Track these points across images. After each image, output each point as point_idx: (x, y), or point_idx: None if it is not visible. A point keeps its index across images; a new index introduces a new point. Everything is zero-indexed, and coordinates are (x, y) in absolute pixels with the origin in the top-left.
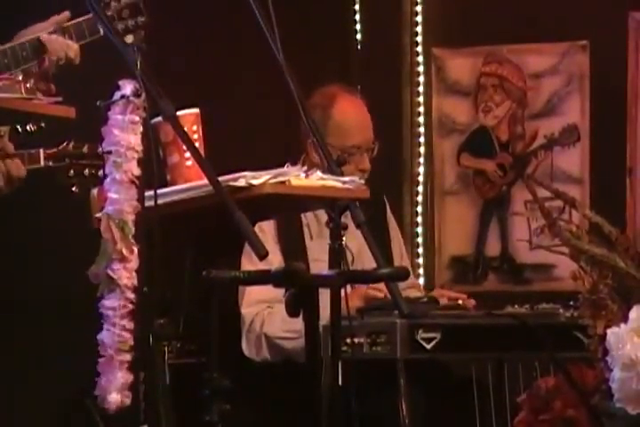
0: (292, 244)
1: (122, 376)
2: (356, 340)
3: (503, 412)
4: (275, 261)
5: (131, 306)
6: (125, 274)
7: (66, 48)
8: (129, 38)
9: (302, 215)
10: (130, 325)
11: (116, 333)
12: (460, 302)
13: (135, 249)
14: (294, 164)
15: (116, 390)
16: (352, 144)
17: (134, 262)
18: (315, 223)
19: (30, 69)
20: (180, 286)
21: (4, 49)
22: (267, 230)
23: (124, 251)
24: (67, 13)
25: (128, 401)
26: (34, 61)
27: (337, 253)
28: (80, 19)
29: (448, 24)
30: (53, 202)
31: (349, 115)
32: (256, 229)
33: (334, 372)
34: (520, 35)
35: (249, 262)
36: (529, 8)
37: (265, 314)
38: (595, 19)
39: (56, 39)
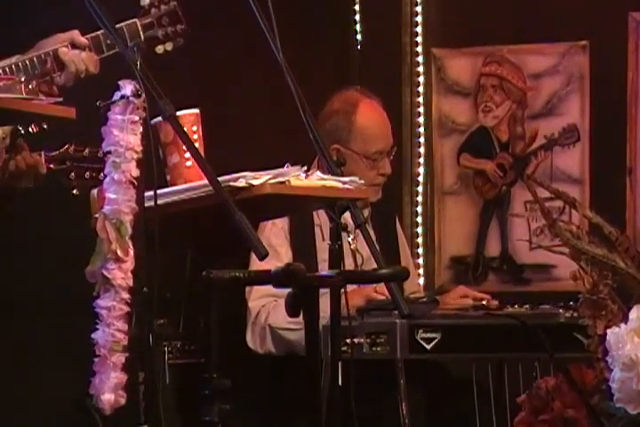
0: (303, 243)
1: (115, 376)
2: (356, 340)
3: (503, 412)
4: (285, 257)
5: (125, 307)
6: (120, 274)
7: (87, 61)
8: (168, 46)
9: (315, 216)
10: (124, 325)
11: (109, 333)
12: (485, 302)
13: (131, 250)
14: (294, 164)
15: (109, 390)
16: (376, 150)
17: (130, 263)
18: (327, 224)
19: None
20: (179, 286)
21: (24, 60)
22: (280, 226)
23: (119, 251)
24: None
25: (123, 401)
26: (48, 75)
27: (336, 254)
28: (98, 32)
29: (448, 24)
30: (53, 202)
31: (373, 121)
32: (269, 224)
33: (334, 372)
34: (520, 35)
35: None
36: (529, 8)
37: (271, 306)
38: (595, 19)
39: (74, 53)
